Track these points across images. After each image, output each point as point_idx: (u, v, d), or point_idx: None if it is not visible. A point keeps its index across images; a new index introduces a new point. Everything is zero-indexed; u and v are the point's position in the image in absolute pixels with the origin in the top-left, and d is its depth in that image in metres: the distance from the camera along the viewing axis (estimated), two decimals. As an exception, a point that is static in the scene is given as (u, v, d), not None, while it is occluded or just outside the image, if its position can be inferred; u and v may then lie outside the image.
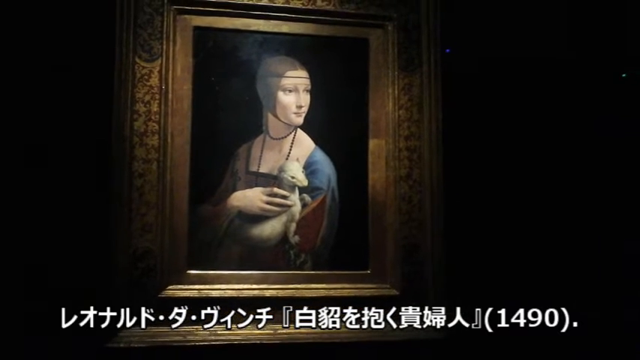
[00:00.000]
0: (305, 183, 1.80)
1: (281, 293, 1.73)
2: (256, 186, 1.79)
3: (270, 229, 1.78)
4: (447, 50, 1.88)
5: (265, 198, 1.78)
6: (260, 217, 1.78)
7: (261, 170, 1.80)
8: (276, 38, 1.84)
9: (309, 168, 1.82)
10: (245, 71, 1.81)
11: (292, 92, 1.82)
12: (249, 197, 1.77)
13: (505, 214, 1.96)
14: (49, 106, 1.72)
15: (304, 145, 1.83)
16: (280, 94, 1.82)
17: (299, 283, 1.76)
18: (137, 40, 1.73)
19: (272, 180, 1.80)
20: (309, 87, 1.84)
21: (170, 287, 1.69)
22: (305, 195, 1.81)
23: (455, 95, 1.90)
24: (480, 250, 1.91)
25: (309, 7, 1.85)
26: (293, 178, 1.79)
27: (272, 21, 1.84)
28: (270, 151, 1.82)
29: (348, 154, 1.86)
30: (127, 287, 1.65)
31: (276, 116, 1.82)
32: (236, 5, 1.82)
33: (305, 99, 1.83)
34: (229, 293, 1.71)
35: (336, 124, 1.86)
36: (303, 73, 1.84)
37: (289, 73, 1.83)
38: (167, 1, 1.75)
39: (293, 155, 1.82)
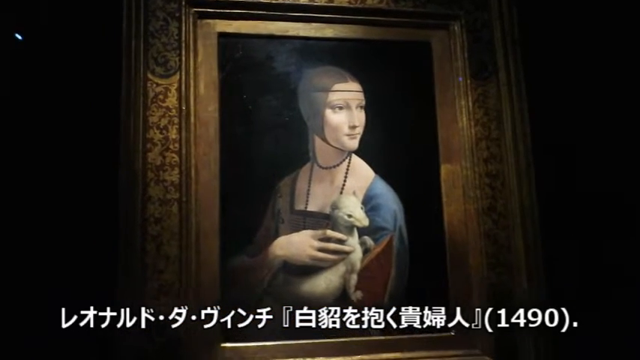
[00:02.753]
0: (365, 222, 1.51)
1: (344, 369, 1.40)
2: (304, 229, 1.51)
3: (324, 283, 1.48)
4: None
5: (316, 244, 1.50)
6: (311, 269, 1.49)
7: (309, 208, 1.53)
8: (319, 44, 1.61)
9: (369, 203, 1.54)
10: (283, 86, 1.57)
11: (343, 109, 1.56)
12: (295, 244, 1.49)
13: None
14: (46, 133, 1.49)
15: (361, 174, 1.56)
16: (328, 113, 1.55)
17: (365, 354, 1.43)
18: (149, 52, 1.49)
19: (324, 220, 1.52)
20: (363, 102, 1.58)
21: (200, 368, 1.36)
22: (366, 238, 1.52)
23: (544, 105, 1.61)
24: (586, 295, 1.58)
25: (358, 5, 1.61)
26: (350, 216, 1.51)
27: (313, 24, 1.61)
28: (320, 183, 1.54)
29: (416, 183, 1.59)
30: (143, 370, 1.33)
31: (324, 140, 1.55)
32: (269, 6, 1.58)
33: (359, 117, 1.56)
34: (277, 372, 1.37)
35: (399, 146, 1.60)
36: (355, 86, 1.58)
37: (338, 87, 1.57)
38: (185, 3, 1.52)
39: (348, 188, 1.54)
